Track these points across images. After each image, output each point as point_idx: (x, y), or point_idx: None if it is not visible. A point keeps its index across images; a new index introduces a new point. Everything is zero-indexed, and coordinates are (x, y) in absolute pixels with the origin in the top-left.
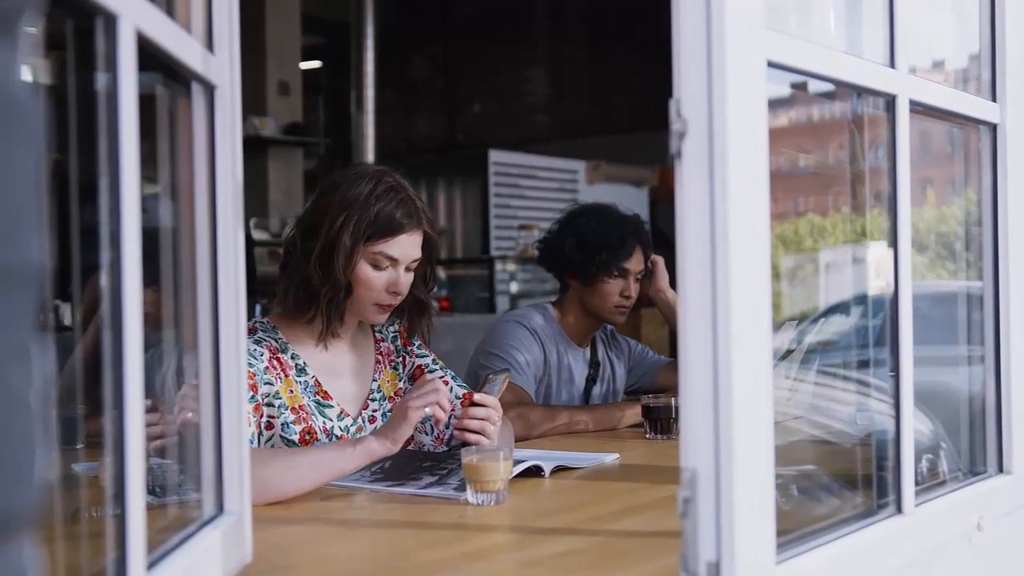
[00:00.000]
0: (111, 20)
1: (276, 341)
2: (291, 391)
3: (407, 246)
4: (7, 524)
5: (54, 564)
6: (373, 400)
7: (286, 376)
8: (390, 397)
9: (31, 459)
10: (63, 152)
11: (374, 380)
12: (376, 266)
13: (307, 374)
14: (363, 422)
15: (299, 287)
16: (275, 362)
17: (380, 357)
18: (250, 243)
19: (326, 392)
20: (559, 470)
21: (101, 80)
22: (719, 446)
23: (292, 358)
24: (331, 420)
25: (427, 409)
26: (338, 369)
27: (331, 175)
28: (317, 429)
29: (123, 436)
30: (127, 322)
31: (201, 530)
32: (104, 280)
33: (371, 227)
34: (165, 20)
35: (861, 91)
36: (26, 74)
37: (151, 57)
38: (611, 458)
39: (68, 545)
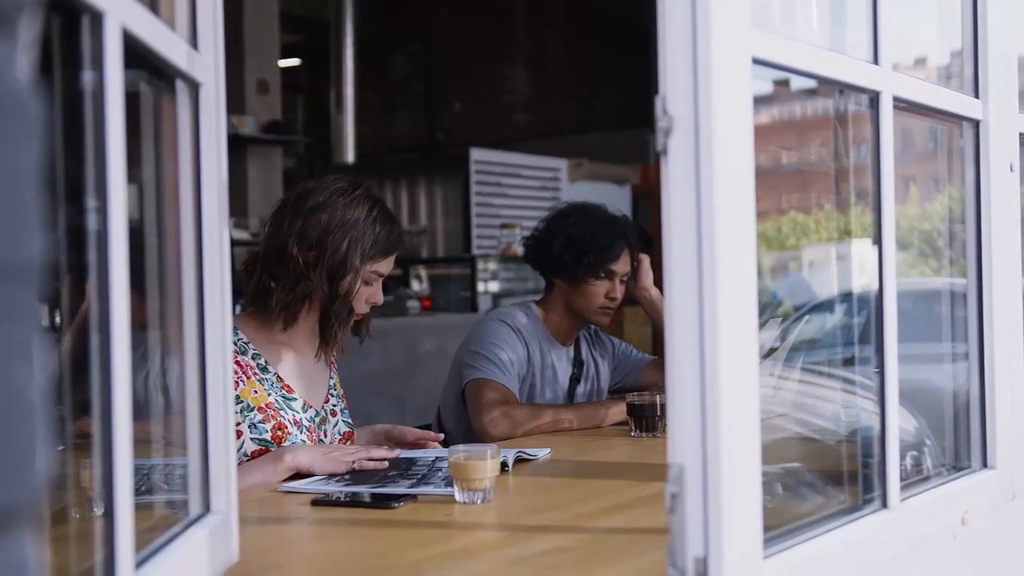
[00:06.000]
0: (97, 17)
1: (235, 344)
2: (255, 391)
3: (392, 262)
4: (10, 519)
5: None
6: (332, 395)
7: (248, 378)
8: (342, 396)
9: (33, 454)
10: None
11: (331, 378)
12: (368, 283)
13: (269, 372)
14: (326, 414)
15: (300, 300)
16: (235, 366)
17: (332, 358)
18: (229, 243)
19: (288, 386)
20: (519, 462)
21: (87, 77)
22: (706, 441)
23: (253, 358)
24: (297, 412)
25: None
26: (298, 366)
27: (310, 187)
28: (287, 423)
29: (111, 437)
30: (114, 323)
31: (188, 529)
32: (89, 281)
33: (374, 247)
34: (150, 17)
35: (845, 87)
36: (25, 71)
37: (134, 54)
38: (543, 453)
39: (52, 546)
